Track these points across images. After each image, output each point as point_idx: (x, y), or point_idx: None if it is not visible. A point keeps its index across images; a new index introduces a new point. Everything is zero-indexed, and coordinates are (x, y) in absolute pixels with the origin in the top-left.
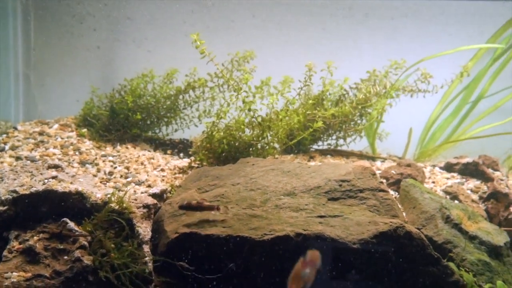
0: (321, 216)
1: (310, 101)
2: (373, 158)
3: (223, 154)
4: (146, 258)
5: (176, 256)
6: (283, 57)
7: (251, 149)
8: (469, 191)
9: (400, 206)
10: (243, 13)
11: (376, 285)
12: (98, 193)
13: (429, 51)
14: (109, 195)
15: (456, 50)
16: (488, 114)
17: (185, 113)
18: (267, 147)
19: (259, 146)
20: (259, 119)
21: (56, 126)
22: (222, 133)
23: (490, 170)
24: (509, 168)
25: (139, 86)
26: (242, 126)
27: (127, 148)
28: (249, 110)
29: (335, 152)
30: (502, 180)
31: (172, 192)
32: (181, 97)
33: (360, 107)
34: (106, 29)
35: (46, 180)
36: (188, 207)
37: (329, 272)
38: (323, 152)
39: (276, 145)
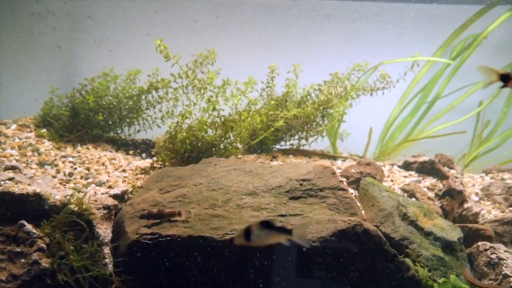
0: (282, 215)
1: (273, 102)
2: (334, 158)
3: (186, 155)
4: (107, 260)
5: (137, 257)
6: (246, 58)
7: (213, 149)
8: (425, 189)
9: (359, 204)
10: (206, 14)
11: (336, 282)
12: (57, 195)
13: (389, 52)
14: (68, 197)
15: (413, 59)
16: (444, 113)
17: (148, 113)
18: (230, 147)
19: (221, 146)
20: (222, 119)
21: (14, 126)
22: (185, 134)
23: (445, 168)
24: (464, 166)
25: (101, 86)
26: (205, 127)
27: (88, 148)
28: (214, 109)
29: (297, 152)
30: (457, 178)
31: (133, 193)
32: (143, 97)
33: (322, 108)
34: (66, 28)
35: (2, 182)
36: (149, 216)
37: (290, 270)
38: (286, 152)
39: (239, 145)
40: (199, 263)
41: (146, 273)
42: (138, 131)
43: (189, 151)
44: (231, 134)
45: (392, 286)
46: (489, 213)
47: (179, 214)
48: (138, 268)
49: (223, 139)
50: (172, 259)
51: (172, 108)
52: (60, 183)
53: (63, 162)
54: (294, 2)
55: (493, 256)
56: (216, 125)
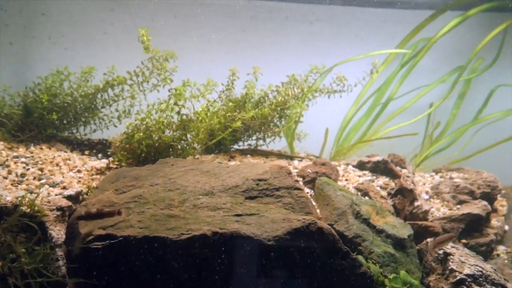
0: (238, 215)
1: (231, 104)
2: (291, 158)
3: (143, 155)
4: (60, 262)
5: (91, 259)
6: (204, 58)
7: (171, 149)
8: (378, 188)
9: (314, 203)
10: (164, 13)
11: (291, 279)
12: (8, 196)
13: (344, 54)
14: (20, 198)
15: (367, 55)
16: (397, 115)
17: (104, 112)
18: (188, 147)
19: (179, 147)
20: (181, 118)
21: None
22: (142, 134)
23: (398, 168)
24: (415, 166)
25: (54, 84)
26: (162, 127)
27: (41, 149)
28: (175, 104)
29: (255, 152)
30: (408, 177)
31: (88, 194)
32: (99, 96)
33: (279, 109)
34: (19, 24)
35: None
36: (87, 217)
37: (247, 268)
38: (244, 152)
39: (197, 146)
40: (155, 263)
41: (101, 275)
42: (94, 130)
43: (146, 151)
44: (188, 135)
45: (345, 282)
46: (438, 210)
47: (119, 213)
48: (92, 270)
49: (180, 140)
50: (128, 260)
51: (129, 107)
52: (11, 184)
53: (15, 162)
54: (252, 3)
55: (441, 251)
56: (174, 126)
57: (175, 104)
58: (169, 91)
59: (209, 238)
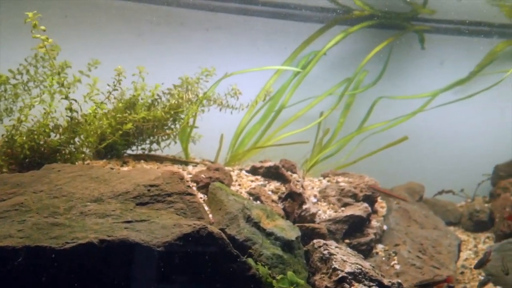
0: (127, 222)
1: (121, 105)
2: (186, 163)
3: (27, 160)
4: None
5: None
6: (97, 60)
7: (58, 154)
8: (270, 192)
9: (207, 208)
10: (54, 12)
11: (183, 284)
12: None
13: (240, 63)
14: None
15: (261, 69)
16: (290, 122)
17: None
18: (76, 152)
19: (67, 151)
20: (68, 120)
21: None
22: (24, 138)
23: (289, 173)
24: (305, 171)
25: None
26: (47, 130)
27: None
28: (66, 97)
29: (149, 157)
30: (298, 181)
31: None
32: None
33: (172, 112)
34: None
35: None
36: None
37: (138, 276)
38: (137, 157)
39: (87, 150)
40: (39, 275)
41: None
42: None
43: (29, 156)
44: (77, 139)
45: (234, 285)
46: (324, 213)
47: None
48: None
49: (68, 144)
50: (8, 272)
51: (11, 105)
52: None
53: None
54: (148, 7)
55: (325, 252)
56: (61, 129)
57: (66, 97)
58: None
59: (96, 246)
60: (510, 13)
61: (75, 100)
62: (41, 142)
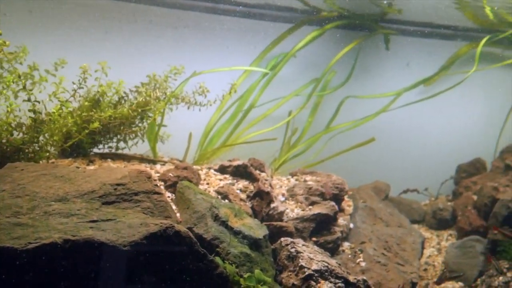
0: (93, 221)
1: (87, 103)
2: (154, 162)
3: None
4: None
5: None
6: (63, 58)
7: (21, 153)
8: (238, 191)
9: (175, 207)
10: (17, 8)
11: (150, 284)
12: None
13: (210, 61)
14: None
15: (230, 69)
16: (259, 121)
17: None
18: (40, 150)
19: (30, 150)
20: (32, 118)
21: None
22: None
23: (257, 172)
24: (274, 169)
25: None
26: (10, 128)
27: None
28: (29, 100)
29: (116, 156)
30: (266, 180)
31: None
32: None
33: (140, 110)
34: None
35: None
36: None
37: (104, 276)
38: (104, 156)
39: (52, 149)
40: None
41: None
42: None
43: None
44: (41, 137)
45: (202, 284)
46: (292, 211)
47: None
48: None
49: (32, 142)
50: None
51: None
52: None
53: None
54: (115, 4)
55: (292, 250)
56: (24, 127)
57: (29, 99)
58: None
59: (60, 246)
60: (473, 17)
61: (38, 102)
62: (4, 141)
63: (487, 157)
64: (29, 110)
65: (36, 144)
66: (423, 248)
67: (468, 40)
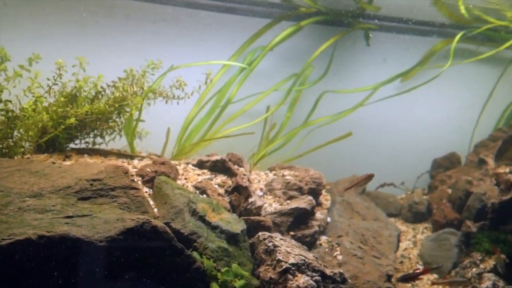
0: (68, 217)
1: (63, 99)
2: (131, 157)
3: None
4: None
5: None
6: (37, 52)
7: None
8: (216, 186)
9: (153, 202)
10: None
11: (127, 279)
12: None
13: (188, 56)
14: None
15: (207, 63)
16: (237, 116)
17: None
18: (15, 146)
19: (4, 145)
20: (5, 114)
21: None
22: None
23: (235, 167)
24: (253, 164)
25: None
26: None
27: None
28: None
29: (93, 151)
30: (245, 175)
31: None
32: None
33: (117, 105)
34: None
35: None
36: None
37: (81, 272)
38: (81, 151)
39: (27, 144)
40: None
41: None
42: None
43: None
44: (15, 132)
45: (180, 279)
46: (270, 206)
47: None
48: None
49: (6, 138)
50: None
51: None
52: None
53: None
54: None
55: (270, 244)
56: None
57: (3, 109)
58: None
59: (34, 242)
60: (448, 13)
61: (10, 101)
62: None
63: (462, 151)
64: (1, 110)
65: (10, 140)
66: (399, 241)
67: (444, 37)
